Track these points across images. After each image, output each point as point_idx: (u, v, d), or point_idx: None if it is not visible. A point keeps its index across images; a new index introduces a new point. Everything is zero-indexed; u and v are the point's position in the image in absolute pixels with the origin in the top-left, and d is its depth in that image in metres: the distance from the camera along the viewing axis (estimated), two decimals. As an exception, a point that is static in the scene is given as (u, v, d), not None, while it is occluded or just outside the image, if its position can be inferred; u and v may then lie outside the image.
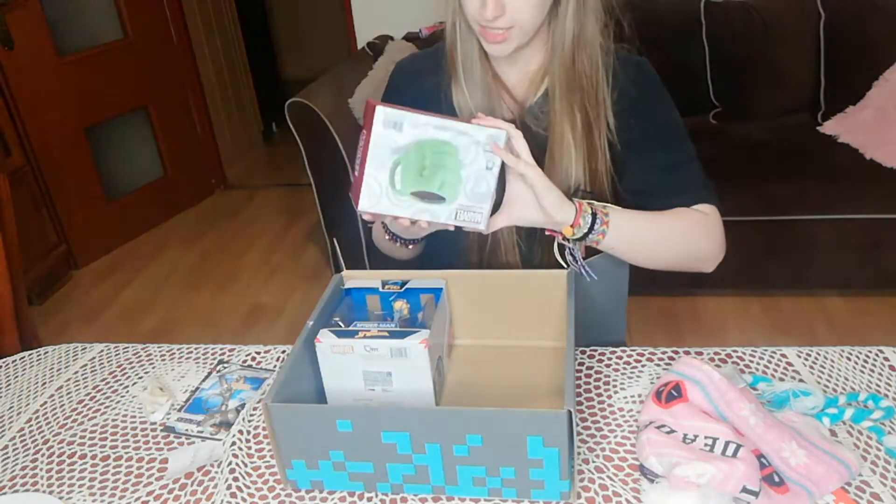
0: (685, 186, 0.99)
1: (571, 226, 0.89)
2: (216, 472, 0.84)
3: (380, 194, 0.83)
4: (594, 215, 0.90)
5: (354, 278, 0.98)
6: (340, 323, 0.90)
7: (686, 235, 0.98)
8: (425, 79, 1.04)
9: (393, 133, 0.81)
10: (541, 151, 0.98)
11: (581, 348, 1.00)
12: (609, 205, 0.93)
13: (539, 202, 0.88)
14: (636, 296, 1.16)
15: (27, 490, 0.85)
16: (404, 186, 0.84)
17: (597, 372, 0.95)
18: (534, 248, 1.06)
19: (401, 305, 0.94)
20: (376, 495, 0.79)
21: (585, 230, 0.90)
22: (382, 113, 0.81)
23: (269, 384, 0.98)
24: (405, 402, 0.86)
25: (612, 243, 0.92)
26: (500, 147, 0.85)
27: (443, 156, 0.84)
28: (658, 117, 1.01)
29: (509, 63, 1.02)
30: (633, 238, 0.95)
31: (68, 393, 1.02)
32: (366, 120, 0.83)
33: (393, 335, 0.83)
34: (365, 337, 0.83)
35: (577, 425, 0.85)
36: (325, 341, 0.84)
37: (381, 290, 0.95)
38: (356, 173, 0.85)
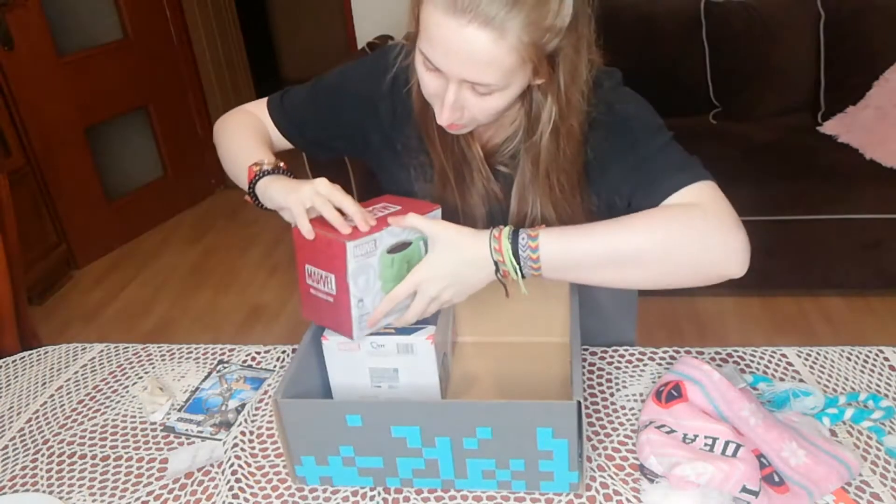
0: (657, 177, 0.84)
1: (497, 262, 0.79)
2: (216, 472, 0.84)
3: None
4: (515, 236, 0.78)
5: None
6: None
7: (662, 241, 0.78)
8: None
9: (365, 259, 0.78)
10: (507, 190, 0.92)
11: (583, 346, 1.00)
12: (544, 228, 0.79)
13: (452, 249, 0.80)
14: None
15: (27, 490, 0.85)
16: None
17: (599, 370, 0.95)
18: None
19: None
20: (381, 493, 0.79)
21: (513, 258, 0.78)
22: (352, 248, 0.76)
23: (271, 384, 0.99)
24: (412, 398, 0.86)
25: (556, 268, 0.79)
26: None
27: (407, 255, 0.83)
28: (625, 130, 0.87)
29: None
30: (583, 260, 0.79)
31: (68, 393, 1.02)
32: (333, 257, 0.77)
33: (399, 331, 0.84)
34: (371, 334, 0.84)
35: (585, 421, 0.85)
36: (332, 339, 0.84)
37: None
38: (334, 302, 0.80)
